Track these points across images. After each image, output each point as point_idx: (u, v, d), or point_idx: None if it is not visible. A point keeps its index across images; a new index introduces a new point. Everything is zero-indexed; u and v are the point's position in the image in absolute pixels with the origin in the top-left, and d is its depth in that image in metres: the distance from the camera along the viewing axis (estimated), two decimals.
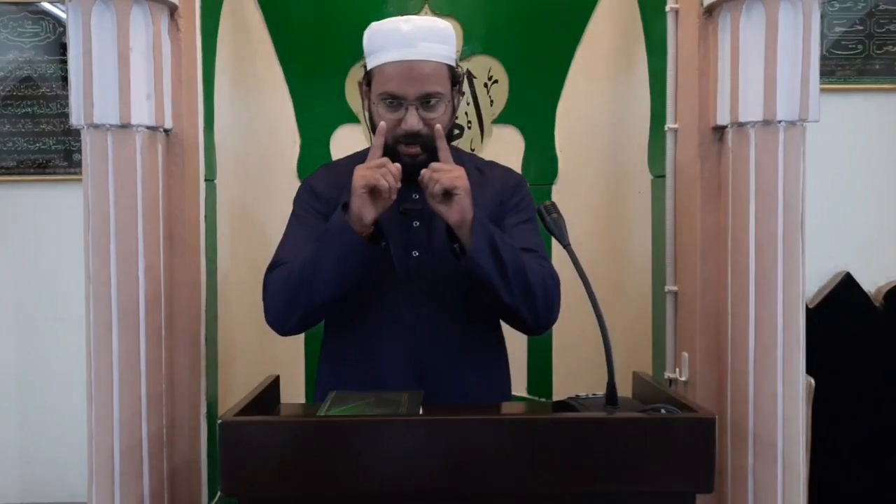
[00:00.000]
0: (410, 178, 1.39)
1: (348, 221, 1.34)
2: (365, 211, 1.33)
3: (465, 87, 2.27)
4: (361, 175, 1.33)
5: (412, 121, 1.42)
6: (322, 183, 1.56)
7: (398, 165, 1.35)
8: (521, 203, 1.54)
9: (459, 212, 1.33)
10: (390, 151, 1.43)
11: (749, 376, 1.52)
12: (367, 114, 1.53)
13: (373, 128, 1.50)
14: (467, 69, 2.27)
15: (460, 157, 1.58)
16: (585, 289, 1.23)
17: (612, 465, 1.10)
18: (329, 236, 1.36)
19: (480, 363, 1.51)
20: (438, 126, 1.39)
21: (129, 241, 1.52)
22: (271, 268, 1.45)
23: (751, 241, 1.52)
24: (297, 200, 1.57)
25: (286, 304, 1.40)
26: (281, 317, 1.42)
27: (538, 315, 1.41)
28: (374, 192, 1.33)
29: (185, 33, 1.64)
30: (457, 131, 2.05)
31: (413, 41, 1.41)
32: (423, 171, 1.36)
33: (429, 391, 1.37)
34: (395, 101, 1.42)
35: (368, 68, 1.48)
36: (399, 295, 1.46)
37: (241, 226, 2.07)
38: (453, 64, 1.48)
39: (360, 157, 1.51)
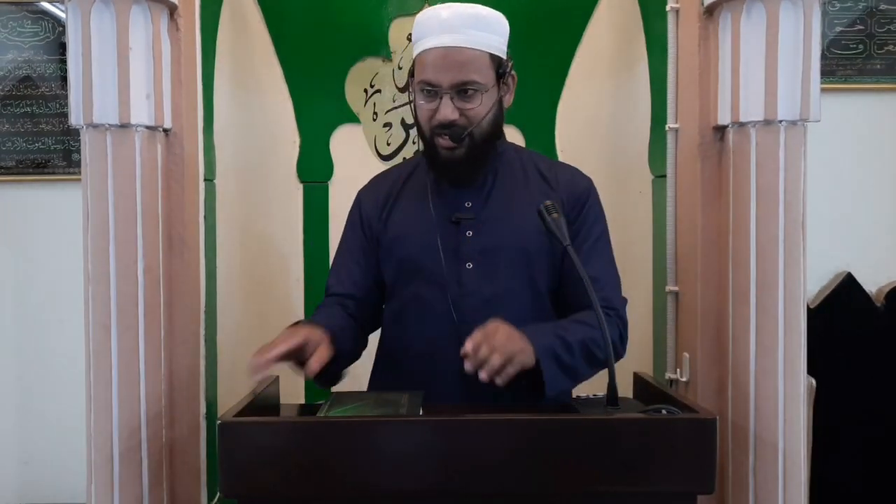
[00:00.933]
0: (458, 179, 1.38)
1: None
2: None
3: None
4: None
5: (446, 110, 1.36)
6: (369, 199, 1.55)
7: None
8: (590, 218, 1.46)
9: (522, 368, 1.23)
10: (428, 144, 1.40)
11: (750, 377, 1.52)
12: (412, 106, 1.47)
13: (414, 120, 1.47)
14: None
15: (519, 155, 1.53)
16: (586, 289, 1.22)
17: (613, 466, 1.10)
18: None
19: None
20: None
21: (129, 242, 1.52)
22: (327, 294, 1.53)
23: (752, 241, 1.52)
24: (348, 216, 1.58)
25: None
26: None
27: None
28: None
29: (185, 33, 1.63)
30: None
31: (451, 28, 1.36)
32: (466, 355, 1.18)
33: (484, 399, 1.33)
34: (432, 90, 1.37)
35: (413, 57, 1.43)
36: (454, 307, 1.40)
37: (241, 225, 2.07)
38: (499, 54, 1.41)
39: (408, 165, 1.54)
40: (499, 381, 1.19)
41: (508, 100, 1.47)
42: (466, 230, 1.43)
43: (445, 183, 1.46)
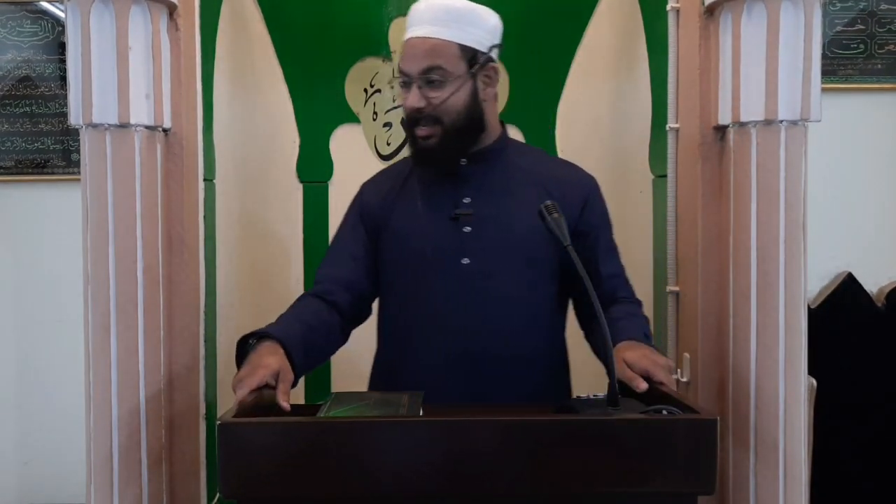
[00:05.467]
0: (434, 168, 1.41)
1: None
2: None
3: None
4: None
5: (412, 98, 1.38)
6: (371, 192, 1.56)
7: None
8: (595, 216, 1.51)
9: None
10: (409, 135, 1.42)
11: (751, 377, 1.52)
12: None
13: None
14: None
15: (522, 154, 1.54)
16: (587, 289, 1.22)
17: (613, 467, 1.10)
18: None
19: (532, 365, 1.46)
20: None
21: (128, 241, 1.51)
22: (316, 281, 1.50)
23: (752, 241, 1.52)
24: (349, 207, 1.58)
25: None
26: None
27: None
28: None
29: (185, 33, 1.63)
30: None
31: (422, 20, 1.40)
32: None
33: (481, 395, 1.35)
34: (404, 80, 1.40)
35: None
36: (449, 302, 1.42)
37: (241, 225, 2.07)
38: (473, 45, 1.40)
39: (411, 161, 1.50)
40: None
41: (490, 93, 1.46)
42: (464, 226, 1.44)
43: (429, 173, 1.48)
